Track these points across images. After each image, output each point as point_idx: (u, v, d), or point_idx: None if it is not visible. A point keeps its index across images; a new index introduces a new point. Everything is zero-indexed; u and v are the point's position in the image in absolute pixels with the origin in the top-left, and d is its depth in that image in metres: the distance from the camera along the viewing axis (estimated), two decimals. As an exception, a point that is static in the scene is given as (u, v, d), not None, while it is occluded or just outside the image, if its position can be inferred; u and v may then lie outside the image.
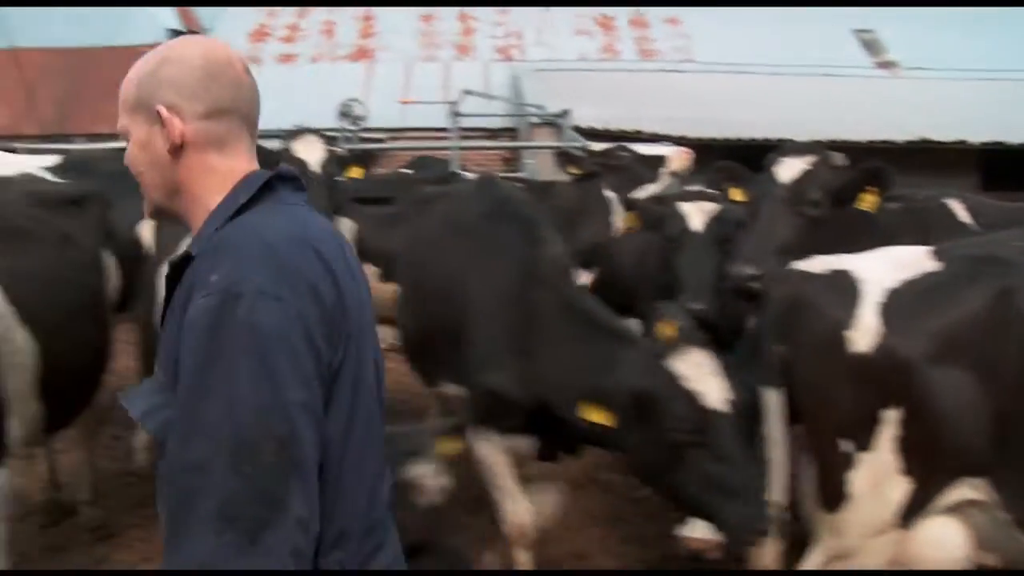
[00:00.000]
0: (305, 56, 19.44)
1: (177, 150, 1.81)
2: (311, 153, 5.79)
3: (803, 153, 4.24)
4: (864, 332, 3.28)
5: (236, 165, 1.86)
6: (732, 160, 5.59)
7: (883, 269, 3.42)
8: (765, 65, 18.23)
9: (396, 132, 15.67)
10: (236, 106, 1.86)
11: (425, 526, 3.16)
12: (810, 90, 16.76)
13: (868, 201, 4.15)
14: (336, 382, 1.71)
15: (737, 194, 4.64)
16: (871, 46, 19.40)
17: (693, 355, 3.35)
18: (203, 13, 20.62)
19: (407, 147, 12.85)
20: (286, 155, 5.73)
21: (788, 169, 4.18)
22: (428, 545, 3.14)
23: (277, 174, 1.88)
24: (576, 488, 5.59)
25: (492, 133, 16.03)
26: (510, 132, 16.03)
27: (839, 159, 4.34)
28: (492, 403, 3.78)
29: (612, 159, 7.03)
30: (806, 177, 4.13)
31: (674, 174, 6.84)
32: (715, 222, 4.89)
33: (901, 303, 3.28)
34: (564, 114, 11.05)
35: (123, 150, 1.92)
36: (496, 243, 4.24)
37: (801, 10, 19.98)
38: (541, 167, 11.05)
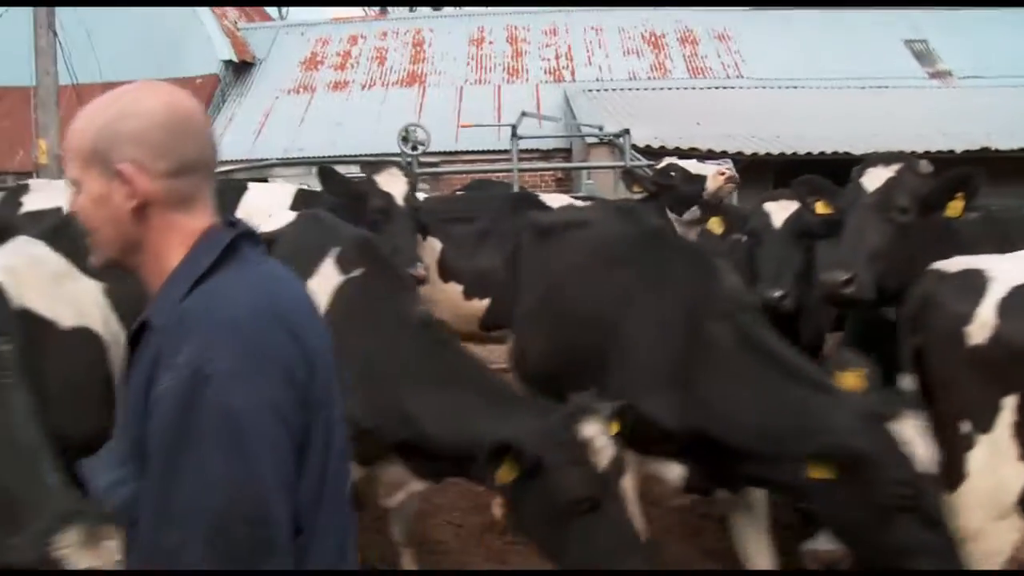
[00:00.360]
0: (357, 83, 19.72)
1: (140, 208, 1.72)
2: (396, 186, 5.88)
3: (889, 162, 4.24)
4: (982, 326, 3.40)
5: (197, 223, 1.77)
6: (788, 176, 5.63)
7: (1015, 268, 3.52)
8: (816, 79, 18.21)
9: (451, 156, 15.87)
10: (202, 161, 1.78)
11: (596, 484, 3.23)
12: (863, 102, 16.66)
13: (955, 208, 4.16)
14: (307, 450, 1.69)
15: (821, 207, 4.64)
16: (923, 56, 19.24)
17: (907, 417, 3.30)
18: (256, 43, 20.99)
19: (467, 170, 12.94)
20: (372, 187, 5.82)
21: (875, 178, 4.18)
22: (597, 503, 3.22)
23: (241, 232, 1.81)
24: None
25: (545, 154, 16.16)
26: (563, 152, 16.15)
27: (925, 167, 4.34)
28: (640, 427, 3.74)
29: (662, 178, 7.06)
30: (894, 184, 4.13)
31: (714, 195, 6.82)
32: (795, 218, 4.94)
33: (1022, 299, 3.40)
34: (624, 133, 11.06)
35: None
36: (661, 272, 4.14)
37: (850, 22, 19.95)
38: (600, 187, 11.11)
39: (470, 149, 16.25)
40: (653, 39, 20.27)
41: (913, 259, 3.96)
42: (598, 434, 3.30)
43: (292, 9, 37.13)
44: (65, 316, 3.66)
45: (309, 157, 16.76)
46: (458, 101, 18.52)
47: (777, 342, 3.74)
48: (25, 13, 18.43)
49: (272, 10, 33.07)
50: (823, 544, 3.93)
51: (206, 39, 19.58)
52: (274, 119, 18.53)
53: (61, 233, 3.93)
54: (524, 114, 12.48)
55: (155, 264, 1.76)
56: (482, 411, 3.55)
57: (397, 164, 6.39)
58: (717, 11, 20.92)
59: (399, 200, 5.79)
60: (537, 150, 15.94)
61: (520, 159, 12.86)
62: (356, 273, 4.16)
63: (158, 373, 1.60)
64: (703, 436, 3.71)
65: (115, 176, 1.70)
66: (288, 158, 16.82)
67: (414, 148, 10.78)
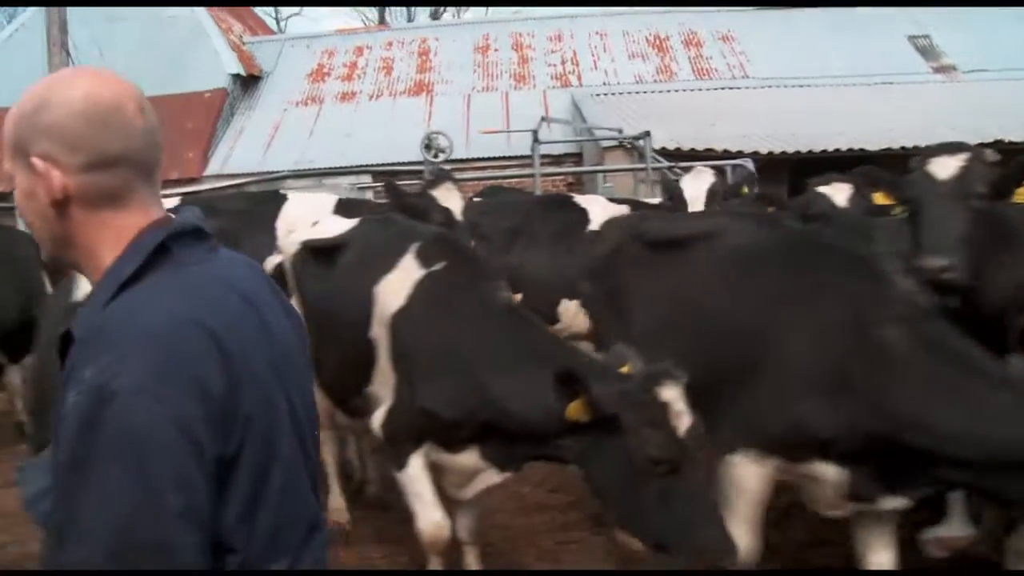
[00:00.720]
0: (365, 93, 19.78)
1: (60, 204, 1.62)
2: (454, 201, 5.95)
3: (954, 151, 4.28)
4: None
5: (131, 220, 1.67)
6: (805, 175, 5.67)
7: None
8: (821, 77, 18.29)
9: (463, 163, 15.91)
10: (125, 154, 1.64)
11: (674, 447, 3.29)
12: (870, 99, 16.74)
13: (1022, 194, 4.22)
14: (235, 468, 1.59)
15: (881, 197, 4.65)
16: (926, 52, 19.33)
17: None
18: (262, 57, 21.06)
19: (489, 176, 12.97)
20: (431, 202, 5.87)
21: (945, 167, 4.20)
22: (676, 467, 3.29)
23: (173, 232, 1.69)
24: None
25: (556, 159, 16.21)
26: (573, 157, 16.20)
27: (992, 155, 4.38)
28: (791, 435, 3.65)
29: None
30: (968, 172, 4.15)
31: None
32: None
33: None
34: (644, 136, 11.10)
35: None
36: (823, 278, 3.94)
37: (852, 20, 20.03)
38: (619, 190, 11.16)
39: (481, 156, 16.31)
40: (658, 42, 20.35)
41: (983, 244, 4.02)
42: (677, 398, 3.36)
43: (294, 20, 37.33)
44: None
45: (320, 168, 16.86)
46: (466, 109, 18.58)
47: (965, 343, 3.55)
48: (38, 33, 18.55)
49: (270, 16, 33.21)
50: (949, 531, 3.93)
51: (213, 53, 19.63)
52: (283, 132, 18.58)
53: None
54: (544, 119, 12.51)
55: (90, 262, 1.69)
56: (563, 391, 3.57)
57: (449, 177, 6.40)
58: (720, 12, 21.02)
59: (458, 215, 5.86)
60: (547, 155, 16.00)
61: (528, 165, 12.90)
62: (438, 267, 4.23)
63: (68, 388, 1.52)
64: (884, 442, 3.54)
65: (34, 170, 1.61)
66: (299, 170, 16.89)
67: (436, 155, 10.81)
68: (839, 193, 5.11)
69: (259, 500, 1.63)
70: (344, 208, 6.29)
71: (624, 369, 3.64)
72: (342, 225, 5.08)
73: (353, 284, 4.50)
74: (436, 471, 4.31)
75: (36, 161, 1.60)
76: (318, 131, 18.46)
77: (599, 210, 7.07)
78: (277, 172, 16.96)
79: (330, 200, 6.61)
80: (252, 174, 17.06)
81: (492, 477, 4.14)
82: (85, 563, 1.45)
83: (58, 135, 1.60)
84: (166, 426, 1.48)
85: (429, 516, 4.30)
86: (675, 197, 6.98)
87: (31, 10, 21.62)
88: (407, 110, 18.80)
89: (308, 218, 5.87)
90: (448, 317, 4.09)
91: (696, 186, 6.79)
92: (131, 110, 1.66)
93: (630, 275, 4.71)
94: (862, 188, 4.84)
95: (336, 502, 5.67)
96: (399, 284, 4.25)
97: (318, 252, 4.92)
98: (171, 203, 6.55)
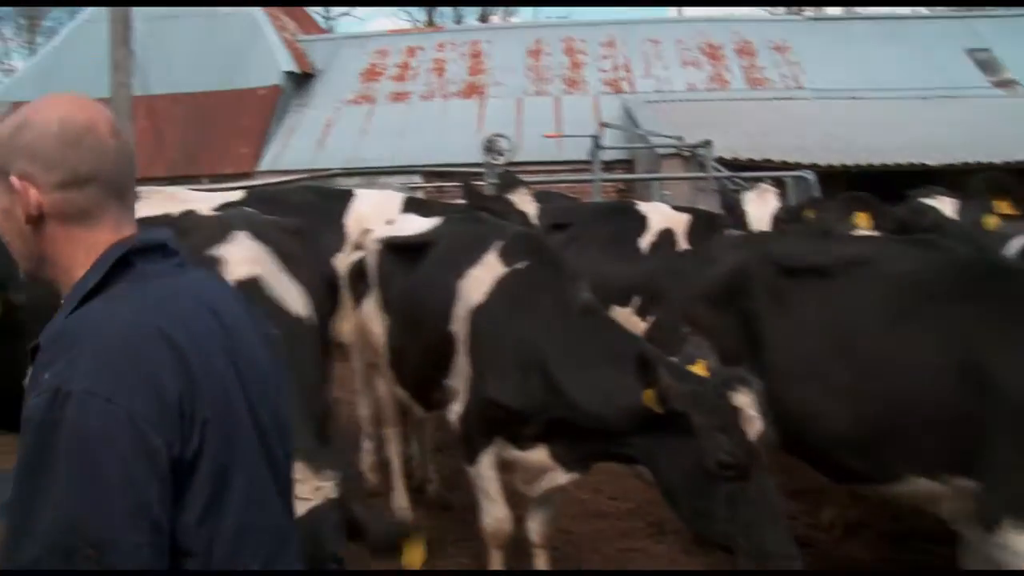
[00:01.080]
0: (417, 94, 19.87)
1: (36, 221, 1.70)
2: (529, 206, 5.97)
3: None
4: None
5: (102, 236, 1.73)
6: (862, 187, 5.54)
7: None
8: (876, 90, 18.10)
9: (513, 167, 15.89)
10: (97, 174, 1.71)
11: (744, 452, 3.28)
12: (926, 113, 16.52)
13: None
14: (194, 473, 1.61)
15: (1007, 207, 4.58)
16: (987, 65, 19.05)
17: None
18: (315, 55, 21.23)
19: (549, 180, 12.93)
20: (508, 207, 5.88)
21: None
22: (745, 472, 3.28)
23: (136, 247, 1.74)
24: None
25: (607, 165, 16.16)
26: (624, 164, 16.15)
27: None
28: None
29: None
30: None
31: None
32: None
33: None
34: (706, 144, 11.01)
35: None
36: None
37: (909, 33, 19.85)
38: (676, 198, 11.09)
39: (533, 160, 16.30)
40: (710, 50, 20.26)
41: None
42: (749, 404, 3.35)
43: (342, 20, 37.51)
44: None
45: (371, 167, 16.95)
46: (517, 112, 18.61)
47: None
48: (102, 27, 18.82)
49: (319, 15, 33.45)
50: None
51: (267, 51, 19.84)
52: (336, 129, 18.73)
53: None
54: (604, 124, 12.46)
55: (64, 277, 1.75)
56: (637, 384, 3.56)
57: (522, 183, 6.38)
58: (774, 23, 20.93)
59: (533, 220, 5.86)
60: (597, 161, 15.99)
61: (577, 170, 12.85)
62: (520, 265, 4.24)
63: (29, 391, 1.57)
64: None
65: (12, 189, 1.68)
66: (350, 168, 17.00)
67: (495, 158, 10.82)
68: (945, 205, 5.03)
69: (220, 504, 1.65)
70: (413, 207, 6.31)
71: (697, 369, 3.63)
72: (422, 223, 5.10)
73: (437, 279, 4.53)
74: (506, 468, 4.33)
75: (14, 180, 1.67)
76: (370, 130, 18.58)
77: (658, 218, 7.02)
78: (329, 169, 17.09)
79: (397, 198, 6.62)
80: (304, 171, 17.19)
81: (559, 477, 4.14)
82: (36, 562, 1.48)
83: (35, 155, 1.67)
84: (119, 426, 1.51)
85: (493, 511, 4.37)
86: (734, 211, 6.88)
87: (95, 6, 21.98)
88: (458, 112, 18.88)
89: (378, 216, 5.88)
90: (525, 314, 4.10)
91: (761, 208, 6.64)
92: (104, 132, 1.72)
93: (764, 303, 4.43)
94: (981, 195, 4.72)
95: (400, 501, 5.68)
96: (480, 280, 4.28)
97: (401, 249, 4.95)
98: (236, 195, 6.59)
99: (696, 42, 20.53)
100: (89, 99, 1.79)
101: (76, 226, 1.71)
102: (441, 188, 15.21)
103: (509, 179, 6.53)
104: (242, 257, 3.82)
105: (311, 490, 2.66)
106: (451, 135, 17.82)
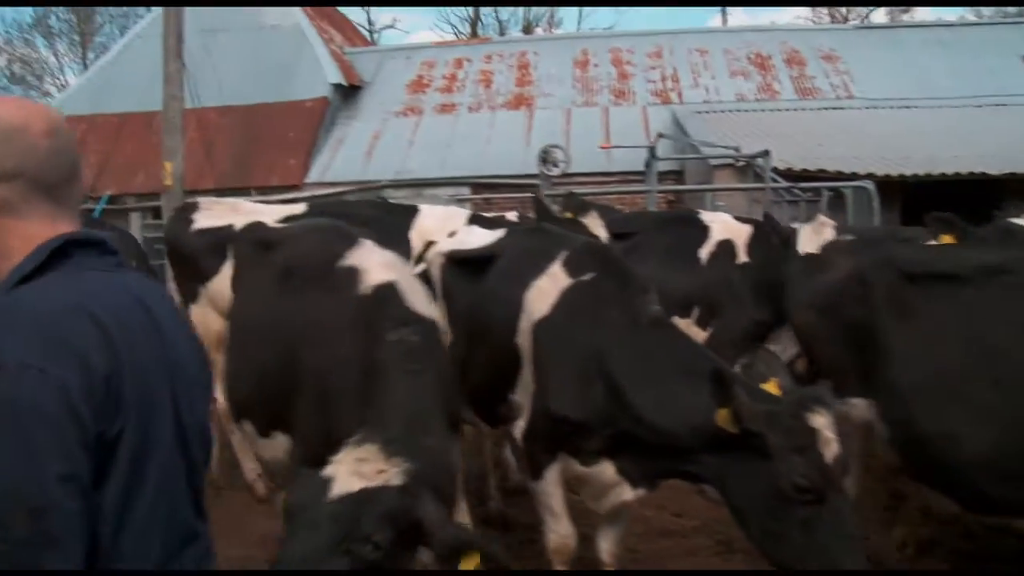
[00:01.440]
0: (464, 106, 19.89)
1: None
2: (600, 229, 5.94)
3: None
4: None
5: (35, 230, 1.80)
6: (920, 198, 5.31)
7: None
8: (929, 99, 17.84)
9: (565, 177, 15.83)
10: (21, 171, 1.77)
11: (820, 475, 3.17)
12: (981, 121, 16.24)
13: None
14: (113, 454, 1.67)
15: None
16: (1044, 73, 18.69)
17: None
18: (362, 67, 21.34)
19: (603, 191, 12.87)
20: (581, 229, 5.84)
21: None
22: (821, 496, 3.17)
23: (75, 239, 1.82)
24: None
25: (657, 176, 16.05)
26: (674, 175, 16.02)
27: None
28: None
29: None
30: None
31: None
32: None
33: None
34: (763, 155, 10.85)
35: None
36: None
37: (961, 39, 19.58)
38: (731, 210, 10.96)
39: (580, 171, 16.24)
40: (759, 60, 20.08)
41: None
42: (827, 425, 3.23)
43: (387, 34, 37.78)
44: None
45: (419, 179, 16.98)
46: (566, 123, 18.55)
47: None
48: (152, 43, 19.12)
49: (363, 28, 33.72)
50: None
51: (315, 63, 19.95)
52: (383, 141, 18.78)
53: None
54: (661, 135, 12.35)
55: (7, 267, 1.80)
56: (709, 401, 3.46)
57: (593, 206, 6.33)
58: (822, 31, 20.71)
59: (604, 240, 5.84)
60: (641, 172, 15.90)
61: (626, 182, 12.67)
62: (586, 277, 4.16)
63: None
64: None
65: None
66: (398, 180, 17.04)
67: (550, 169, 10.77)
68: None
69: (134, 490, 1.71)
70: (478, 222, 6.27)
71: (769, 387, 3.55)
72: (485, 236, 5.05)
73: (501, 292, 4.47)
74: (572, 484, 4.26)
75: None
76: (417, 142, 18.62)
77: (720, 228, 6.94)
78: (377, 181, 17.14)
79: (463, 213, 6.59)
80: (352, 183, 17.26)
81: (626, 493, 4.06)
82: None
83: None
84: (50, 397, 1.58)
85: (558, 528, 4.29)
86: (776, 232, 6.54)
87: (146, 21, 22.35)
88: (506, 123, 18.87)
89: (442, 231, 5.85)
90: (591, 326, 4.01)
91: (817, 244, 5.97)
92: (37, 132, 1.79)
93: (885, 313, 4.20)
94: None
95: (461, 517, 5.62)
96: (545, 291, 4.20)
97: (465, 262, 4.91)
98: (299, 208, 6.59)
99: (744, 52, 20.37)
100: (30, 101, 1.91)
101: (8, 218, 1.77)
102: (489, 200, 15.17)
103: (577, 202, 6.47)
104: (378, 263, 3.83)
105: (373, 472, 2.64)
106: (499, 146, 17.83)
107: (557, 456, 4.16)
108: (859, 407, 4.36)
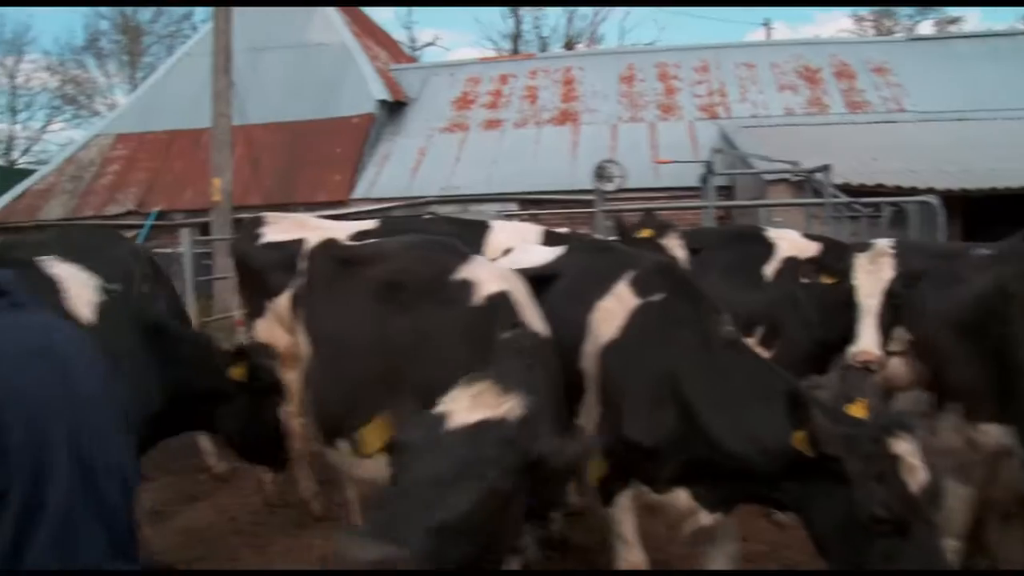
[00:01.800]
0: (510, 121, 19.86)
1: None
2: (679, 251, 5.83)
3: None
4: None
5: None
6: (981, 214, 5.03)
7: None
8: (982, 111, 17.45)
9: (612, 193, 15.70)
10: None
11: (902, 505, 2.99)
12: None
13: None
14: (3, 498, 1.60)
15: None
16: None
17: None
18: (407, 84, 21.40)
19: (661, 207, 12.67)
20: (663, 251, 5.72)
21: None
22: (905, 527, 2.98)
23: None
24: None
25: (698, 192, 15.83)
26: (724, 191, 15.80)
27: None
28: None
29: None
30: None
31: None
32: None
33: None
34: (823, 169, 10.60)
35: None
36: None
37: (1016, 48, 19.20)
38: (787, 226, 10.76)
39: (627, 187, 16.09)
40: (808, 73, 19.85)
41: None
42: (911, 452, 3.05)
43: (428, 52, 38.02)
44: None
45: (466, 194, 16.94)
46: (612, 139, 18.45)
47: None
48: (199, 61, 19.35)
49: (405, 46, 33.88)
50: None
51: (360, 80, 20.05)
52: (429, 157, 18.80)
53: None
54: (717, 151, 12.18)
55: None
56: (786, 424, 3.32)
57: (675, 228, 6.19)
58: (872, 43, 20.42)
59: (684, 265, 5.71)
60: (692, 188, 15.70)
61: (674, 197, 12.44)
62: (656, 297, 4.01)
63: None
64: None
65: None
66: (445, 195, 17.02)
67: (607, 184, 10.64)
68: None
69: (23, 539, 1.62)
70: (551, 240, 6.15)
71: (855, 409, 3.38)
72: (542, 254, 4.92)
73: (563, 313, 4.31)
74: (647, 511, 4.10)
75: None
76: (464, 157, 18.62)
77: (787, 245, 6.75)
78: (423, 197, 17.13)
79: (535, 230, 6.47)
80: (399, 198, 17.27)
81: (703, 518, 3.90)
82: None
83: None
84: None
85: (629, 556, 4.10)
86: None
87: (194, 40, 22.64)
88: (552, 139, 18.81)
89: (516, 246, 5.76)
90: (663, 349, 3.84)
91: (874, 278, 5.55)
92: None
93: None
94: None
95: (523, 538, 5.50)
96: (612, 312, 4.04)
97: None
98: (370, 224, 6.49)
99: (792, 65, 20.15)
100: None
101: None
102: (536, 216, 15.08)
103: (657, 221, 6.32)
104: (490, 275, 3.78)
105: (492, 402, 2.57)
106: (545, 162, 17.76)
107: (628, 483, 4.02)
108: (991, 433, 4.11)
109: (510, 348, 3.15)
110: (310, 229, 5.78)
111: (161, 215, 18.71)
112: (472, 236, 6.18)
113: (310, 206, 16.90)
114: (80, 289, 4.10)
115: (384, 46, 24.58)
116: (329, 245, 4.71)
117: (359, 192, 18.04)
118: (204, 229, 15.02)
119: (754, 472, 3.52)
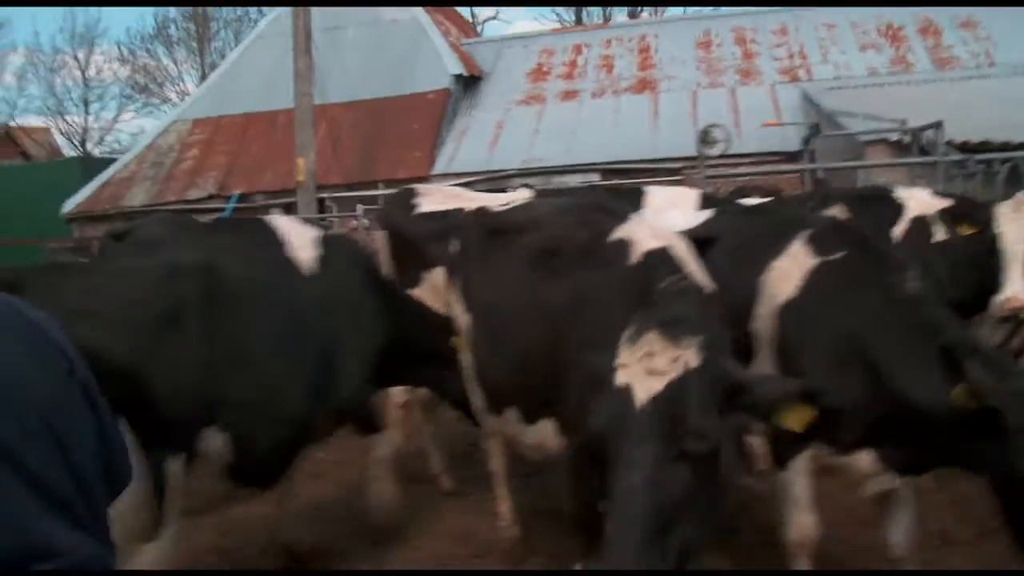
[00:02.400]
0: (587, 92, 19.69)
1: None
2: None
3: None
4: None
5: None
6: None
7: None
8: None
9: (693, 160, 15.52)
10: None
11: None
12: None
13: None
14: None
15: None
16: None
17: None
18: (480, 58, 21.33)
19: (756, 172, 12.48)
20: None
21: None
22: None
23: None
24: None
25: (790, 156, 15.55)
26: (809, 154, 15.50)
27: None
28: None
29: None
30: None
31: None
32: None
33: None
34: (936, 126, 10.28)
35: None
36: None
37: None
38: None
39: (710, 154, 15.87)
40: (891, 32, 19.34)
41: None
42: None
43: (489, 26, 37.73)
44: None
45: (548, 166, 16.86)
46: (692, 106, 18.20)
47: None
48: (272, 42, 19.51)
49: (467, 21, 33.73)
50: None
51: (435, 55, 20.02)
52: (507, 131, 18.73)
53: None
54: (821, 114, 11.80)
55: None
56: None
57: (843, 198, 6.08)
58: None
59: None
60: (779, 152, 15.45)
61: (761, 162, 12.19)
62: (836, 256, 3.93)
63: None
64: None
65: None
66: (526, 168, 16.95)
67: (711, 148, 10.47)
68: None
69: None
70: (709, 203, 6.06)
71: None
72: (689, 218, 4.85)
73: (727, 275, 4.23)
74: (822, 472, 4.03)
75: None
76: (542, 130, 18.50)
77: (916, 204, 6.57)
78: (504, 170, 17.09)
79: (693, 194, 6.39)
80: (479, 173, 17.25)
81: (888, 481, 3.83)
82: None
83: None
84: None
85: (800, 519, 4.04)
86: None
87: (265, 23, 22.84)
88: (631, 107, 18.62)
89: (674, 207, 5.71)
90: (845, 307, 3.79)
91: (1018, 226, 5.51)
92: None
93: None
94: None
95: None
96: (788, 273, 3.98)
97: None
98: (523, 195, 6.46)
99: (874, 24, 19.65)
100: None
101: None
102: (619, 186, 14.97)
103: (825, 188, 6.20)
104: (648, 233, 3.69)
105: (667, 361, 2.50)
106: (625, 131, 17.59)
107: (807, 444, 3.94)
108: None
109: (670, 293, 3.08)
110: (464, 200, 5.78)
111: (242, 198, 18.92)
112: (627, 204, 6.12)
113: (391, 183, 16.96)
114: (301, 240, 4.48)
115: (454, 22, 24.53)
116: (483, 214, 4.70)
117: (439, 168, 18.05)
118: (287, 210, 15.16)
119: (939, 430, 3.45)
